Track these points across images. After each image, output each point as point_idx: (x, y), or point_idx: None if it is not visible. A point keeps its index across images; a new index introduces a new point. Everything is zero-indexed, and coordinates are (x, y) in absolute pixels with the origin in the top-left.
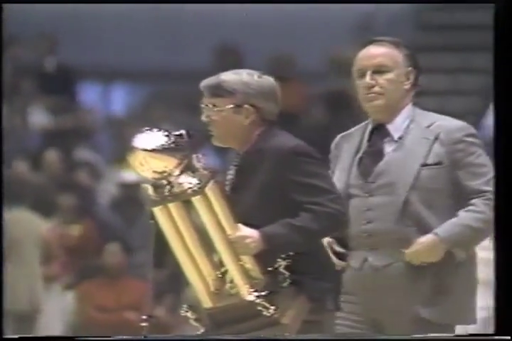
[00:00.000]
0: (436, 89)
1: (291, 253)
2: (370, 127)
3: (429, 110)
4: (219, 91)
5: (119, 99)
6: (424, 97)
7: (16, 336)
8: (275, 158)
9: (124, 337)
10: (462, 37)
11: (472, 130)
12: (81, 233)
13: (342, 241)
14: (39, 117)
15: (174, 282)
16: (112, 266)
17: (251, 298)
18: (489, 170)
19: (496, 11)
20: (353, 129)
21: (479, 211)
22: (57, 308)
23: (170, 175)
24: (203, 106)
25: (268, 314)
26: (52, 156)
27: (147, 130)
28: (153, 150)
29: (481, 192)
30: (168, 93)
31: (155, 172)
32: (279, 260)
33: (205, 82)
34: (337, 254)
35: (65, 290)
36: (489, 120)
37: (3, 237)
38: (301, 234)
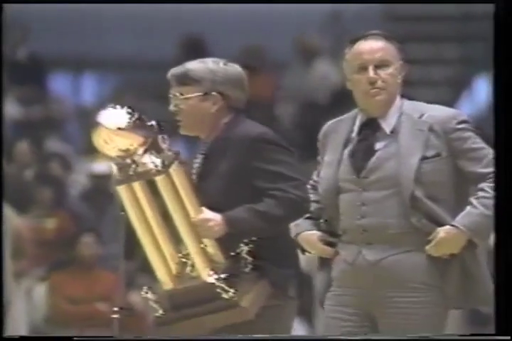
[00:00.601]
0: (407, 80)
1: (254, 238)
2: (359, 120)
3: None
4: (185, 79)
5: (90, 89)
6: None
7: (16, 336)
8: (240, 145)
9: (124, 337)
10: (432, 28)
11: (463, 116)
12: (54, 225)
13: (332, 234)
14: (9, 108)
15: (146, 273)
16: (85, 257)
17: (211, 280)
18: (488, 151)
19: (495, 10)
20: (341, 117)
21: (489, 196)
22: (28, 302)
23: (134, 153)
24: (170, 96)
25: (227, 296)
26: (23, 148)
27: (112, 107)
28: (118, 128)
29: (487, 175)
30: (139, 83)
31: (120, 150)
32: (241, 245)
33: (171, 72)
34: (330, 244)
35: (37, 283)
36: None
37: (2, 237)
38: (263, 219)
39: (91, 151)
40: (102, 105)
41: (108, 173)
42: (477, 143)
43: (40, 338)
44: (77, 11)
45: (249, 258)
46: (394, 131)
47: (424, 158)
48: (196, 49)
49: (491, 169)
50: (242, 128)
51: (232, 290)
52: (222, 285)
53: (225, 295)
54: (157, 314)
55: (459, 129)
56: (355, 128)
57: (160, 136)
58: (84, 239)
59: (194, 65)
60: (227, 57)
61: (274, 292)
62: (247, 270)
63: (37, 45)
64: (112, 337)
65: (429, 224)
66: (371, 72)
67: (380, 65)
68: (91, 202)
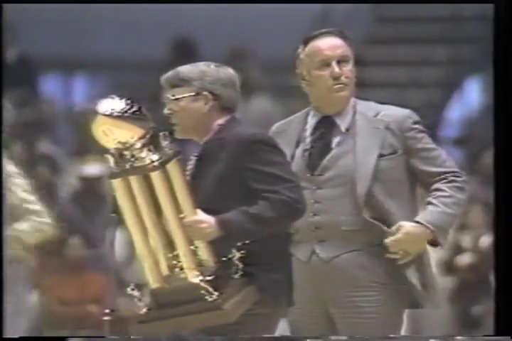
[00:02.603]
0: (396, 82)
1: (247, 243)
2: (312, 119)
3: (388, 103)
4: (176, 81)
5: (81, 91)
6: (383, 90)
7: (17, 336)
8: (234, 146)
9: (123, 336)
10: (421, 29)
11: (416, 116)
12: None
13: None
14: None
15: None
16: (73, 259)
17: (196, 280)
18: (440, 152)
19: (495, 10)
20: (290, 118)
21: (448, 195)
22: (21, 305)
23: (133, 146)
24: (165, 100)
25: (210, 299)
26: (16, 150)
27: (111, 97)
28: (117, 118)
29: (441, 174)
30: (130, 84)
31: (119, 142)
32: (234, 250)
33: (164, 76)
34: None
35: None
36: (449, 113)
37: (3, 236)
38: (256, 221)
39: (82, 153)
40: (97, 103)
41: (99, 175)
42: (429, 143)
43: (40, 338)
44: (67, 13)
45: (240, 265)
46: (349, 129)
47: (381, 156)
48: (187, 50)
49: (443, 169)
50: (237, 129)
51: (216, 293)
52: (207, 287)
53: (208, 297)
54: (141, 312)
55: (414, 129)
56: (308, 127)
57: (162, 133)
58: (71, 241)
59: (184, 68)
60: (217, 58)
61: (263, 299)
62: (236, 276)
63: (27, 46)
64: (113, 337)
65: (383, 221)
66: (336, 68)
67: (341, 61)
68: (82, 204)
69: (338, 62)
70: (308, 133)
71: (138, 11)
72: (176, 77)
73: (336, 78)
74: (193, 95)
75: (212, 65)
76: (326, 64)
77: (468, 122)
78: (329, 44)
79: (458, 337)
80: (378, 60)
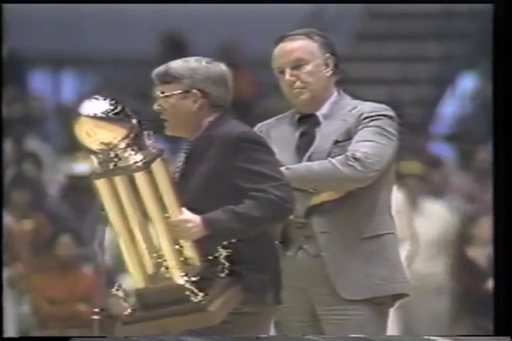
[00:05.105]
0: (388, 78)
1: (233, 241)
2: (297, 117)
3: (380, 99)
4: (166, 78)
5: (69, 87)
6: (375, 86)
7: (16, 336)
8: (221, 143)
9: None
10: (414, 25)
11: (387, 111)
12: (33, 227)
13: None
14: None
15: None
16: (63, 257)
17: (181, 282)
18: (370, 145)
19: (495, 10)
20: (278, 116)
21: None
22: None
23: (116, 147)
24: (155, 95)
25: (195, 300)
26: (6, 147)
27: (95, 98)
28: (101, 119)
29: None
30: (119, 81)
31: (102, 143)
32: (220, 249)
33: (155, 71)
34: None
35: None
36: (442, 109)
37: (3, 237)
38: (242, 220)
39: (71, 150)
40: (82, 103)
41: (88, 173)
42: (368, 132)
43: (40, 338)
44: (56, 10)
45: (227, 264)
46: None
47: (336, 142)
48: (176, 46)
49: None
50: (225, 127)
51: (201, 294)
52: (192, 288)
53: (193, 298)
54: (126, 313)
55: (375, 118)
56: (295, 125)
57: (146, 132)
58: (62, 239)
59: (175, 64)
60: (206, 55)
61: (249, 298)
62: (222, 275)
63: (16, 43)
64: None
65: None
66: (287, 75)
67: (296, 66)
68: (71, 202)
69: (293, 68)
70: (297, 132)
71: (127, 8)
72: (166, 74)
73: (290, 85)
74: (182, 93)
75: (204, 62)
76: (282, 71)
77: (461, 118)
78: (283, 51)
79: (458, 337)
80: (370, 56)
